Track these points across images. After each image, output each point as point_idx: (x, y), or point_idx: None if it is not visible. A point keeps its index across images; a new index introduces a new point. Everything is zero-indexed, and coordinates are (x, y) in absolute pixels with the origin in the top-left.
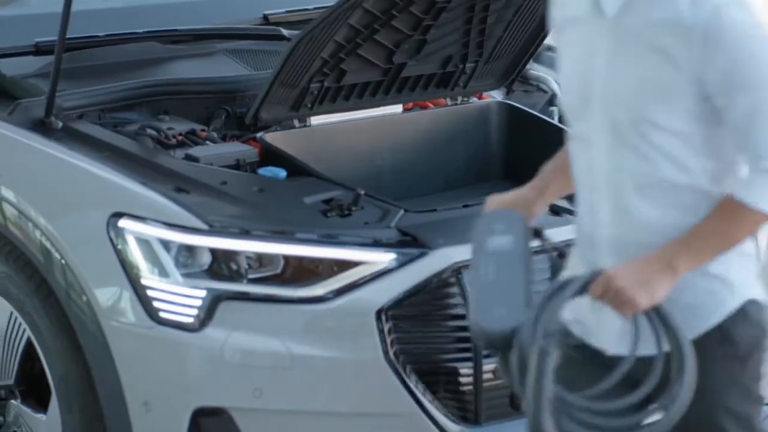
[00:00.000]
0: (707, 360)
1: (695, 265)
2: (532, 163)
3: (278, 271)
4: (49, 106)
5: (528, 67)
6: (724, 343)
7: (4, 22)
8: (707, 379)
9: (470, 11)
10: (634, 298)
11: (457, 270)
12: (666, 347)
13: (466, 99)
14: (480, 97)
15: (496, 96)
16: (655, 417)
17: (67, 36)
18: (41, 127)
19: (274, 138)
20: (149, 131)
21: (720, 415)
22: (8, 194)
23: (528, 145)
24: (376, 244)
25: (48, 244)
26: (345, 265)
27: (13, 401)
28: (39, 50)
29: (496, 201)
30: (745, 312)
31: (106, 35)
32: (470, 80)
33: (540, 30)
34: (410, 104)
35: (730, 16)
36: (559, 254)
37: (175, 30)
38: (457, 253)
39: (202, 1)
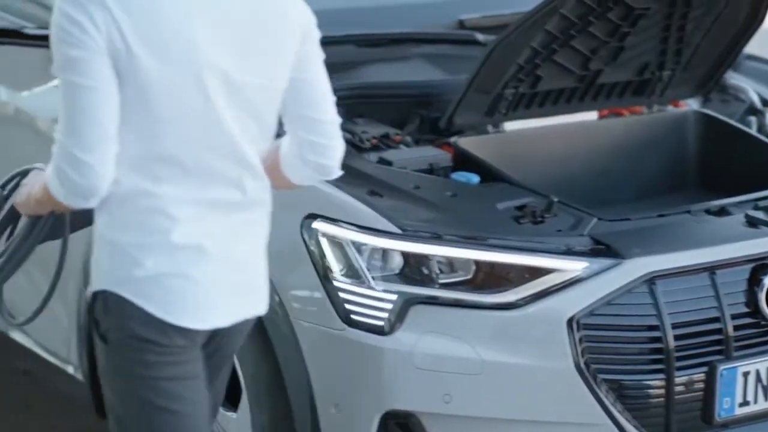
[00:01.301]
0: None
1: (34, 206)
2: (729, 173)
3: (469, 276)
4: None
5: (726, 75)
6: (91, 313)
7: None
8: None
9: (668, 18)
10: (18, 201)
11: (651, 280)
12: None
13: (662, 107)
14: (676, 105)
15: (693, 104)
16: None
17: None
18: None
19: (467, 143)
20: (344, 134)
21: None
22: None
23: (725, 155)
24: (569, 251)
25: None
26: (537, 272)
27: None
28: None
29: None
30: (106, 299)
31: None
32: (667, 88)
33: (739, 38)
34: (605, 111)
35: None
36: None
37: (372, 33)
38: (652, 263)
39: (399, 5)
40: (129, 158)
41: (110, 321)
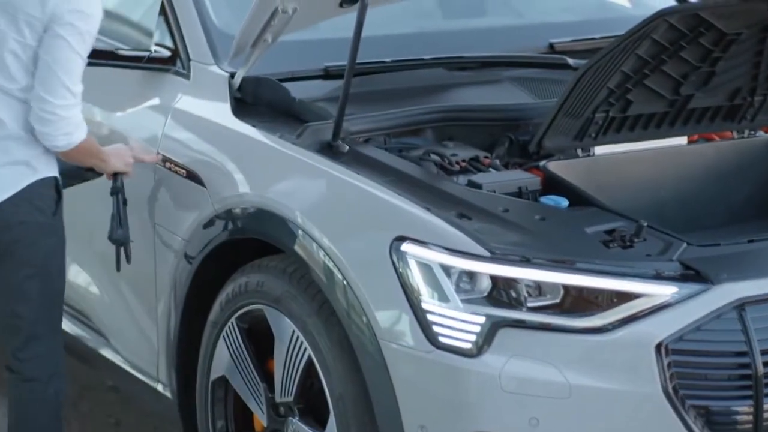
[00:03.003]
0: None
1: None
2: None
3: (557, 300)
4: (337, 130)
5: None
6: None
7: (295, 47)
8: None
9: (761, 43)
10: None
11: (741, 306)
12: None
13: (752, 132)
14: (767, 131)
15: None
16: None
17: (356, 61)
18: (328, 150)
19: (557, 167)
20: (433, 157)
21: None
22: (294, 215)
23: None
24: (658, 276)
25: (331, 265)
26: (625, 297)
27: (291, 418)
28: (328, 74)
29: None
30: None
31: (393, 61)
32: (758, 113)
33: None
34: (695, 136)
35: None
36: None
37: (462, 57)
38: (741, 289)
39: (489, 28)
40: None
41: None
